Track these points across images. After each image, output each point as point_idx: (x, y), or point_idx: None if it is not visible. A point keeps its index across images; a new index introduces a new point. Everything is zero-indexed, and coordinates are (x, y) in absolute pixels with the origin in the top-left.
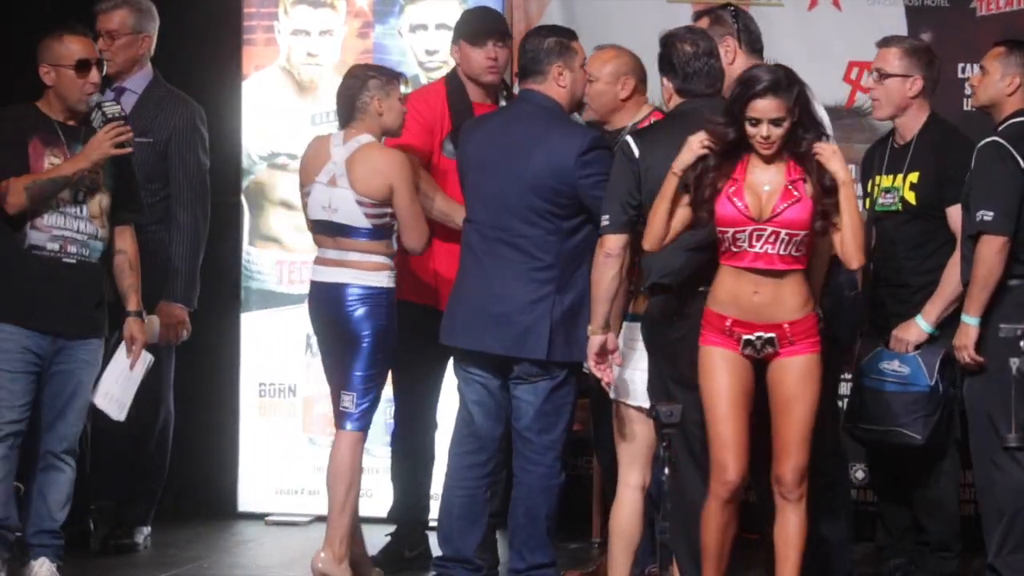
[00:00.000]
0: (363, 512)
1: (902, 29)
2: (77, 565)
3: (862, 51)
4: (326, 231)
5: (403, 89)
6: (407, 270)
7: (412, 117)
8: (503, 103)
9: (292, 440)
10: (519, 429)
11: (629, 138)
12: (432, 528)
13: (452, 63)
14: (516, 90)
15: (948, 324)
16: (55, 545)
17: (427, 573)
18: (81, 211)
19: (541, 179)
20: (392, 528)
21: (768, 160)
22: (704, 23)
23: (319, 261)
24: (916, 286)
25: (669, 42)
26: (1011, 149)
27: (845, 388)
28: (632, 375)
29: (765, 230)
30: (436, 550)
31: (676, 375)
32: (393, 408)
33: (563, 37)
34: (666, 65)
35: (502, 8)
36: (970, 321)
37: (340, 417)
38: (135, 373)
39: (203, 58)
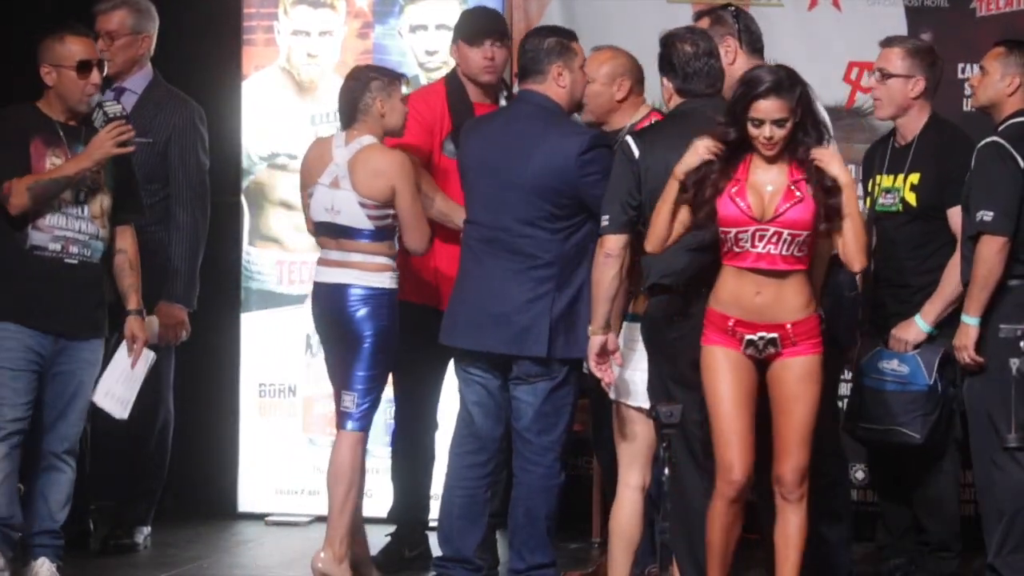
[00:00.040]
0: (363, 512)
1: (902, 29)
2: (77, 565)
3: (862, 51)
4: (329, 233)
5: (404, 90)
6: (408, 270)
7: (412, 117)
8: (503, 103)
9: (292, 440)
10: (519, 430)
11: (629, 138)
12: (432, 528)
13: (452, 63)
14: (516, 90)
15: (947, 324)
16: (55, 545)
17: (427, 573)
18: (83, 211)
19: (541, 179)
20: (392, 528)
21: (771, 160)
22: (704, 23)
23: (322, 262)
24: (916, 286)
25: (669, 42)
26: (1011, 149)
27: (845, 388)
28: (632, 375)
29: (768, 230)
30: (436, 550)
31: (676, 375)
32: (394, 408)
33: (563, 37)
34: (666, 65)
35: (502, 8)
36: (970, 321)
37: (341, 417)
38: (137, 371)
39: (203, 58)
